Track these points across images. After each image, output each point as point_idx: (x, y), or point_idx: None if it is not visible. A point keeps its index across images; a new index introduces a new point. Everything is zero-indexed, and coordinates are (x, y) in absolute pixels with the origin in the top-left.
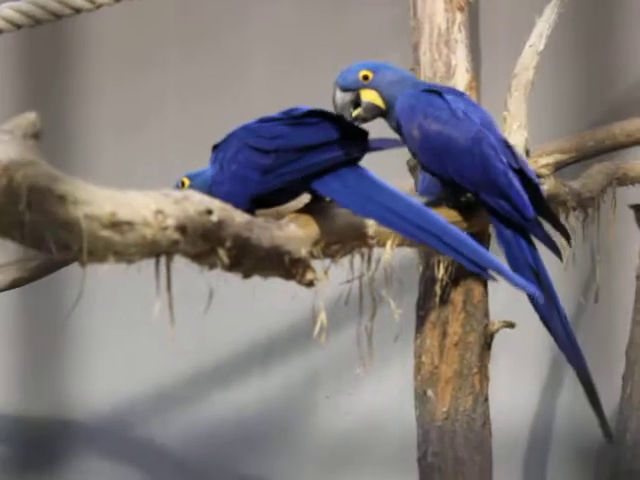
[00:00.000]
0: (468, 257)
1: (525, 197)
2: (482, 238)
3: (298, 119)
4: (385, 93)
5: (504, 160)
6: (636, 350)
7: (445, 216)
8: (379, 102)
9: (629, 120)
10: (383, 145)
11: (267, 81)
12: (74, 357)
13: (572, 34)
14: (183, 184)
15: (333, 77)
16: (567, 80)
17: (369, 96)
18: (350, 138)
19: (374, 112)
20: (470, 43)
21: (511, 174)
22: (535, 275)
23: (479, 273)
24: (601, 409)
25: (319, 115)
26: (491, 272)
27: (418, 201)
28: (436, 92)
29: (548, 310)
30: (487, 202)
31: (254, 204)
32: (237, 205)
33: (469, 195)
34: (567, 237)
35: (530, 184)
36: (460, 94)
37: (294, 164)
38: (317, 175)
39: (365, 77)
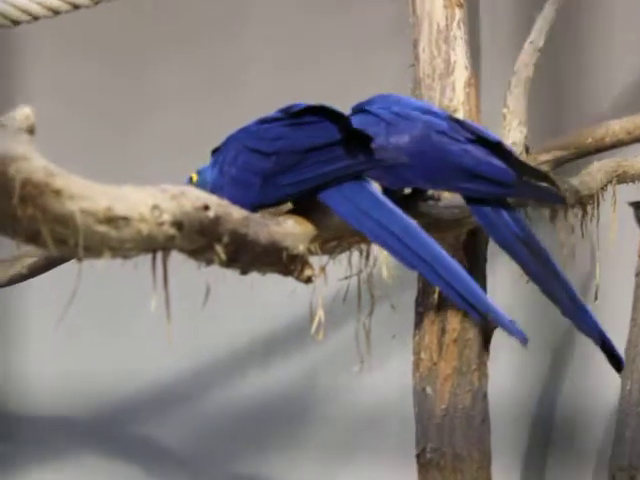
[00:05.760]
0: (459, 292)
1: (498, 163)
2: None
3: (298, 118)
4: None
5: (458, 137)
6: (635, 348)
7: None
8: None
9: (629, 117)
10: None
11: (267, 78)
12: (62, 353)
13: (571, 30)
14: (191, 180)
15: (333, 75)
16: (567, 77)
17: None
18: (353, 141)
19: None
20: (469, 40)
21: (472, 148)
22: (526, 245)
23: (468, 312)
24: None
25: (319, 112)
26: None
27: (416, 224)
28: (363, 111)
29: (547, 280)
30: (464, 192)
31: (256, 209)
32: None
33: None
34: (557, 187)
35: (496, 146)
36: (386, 97)
37: (295, 172)
38: (320, 188)
39: None
